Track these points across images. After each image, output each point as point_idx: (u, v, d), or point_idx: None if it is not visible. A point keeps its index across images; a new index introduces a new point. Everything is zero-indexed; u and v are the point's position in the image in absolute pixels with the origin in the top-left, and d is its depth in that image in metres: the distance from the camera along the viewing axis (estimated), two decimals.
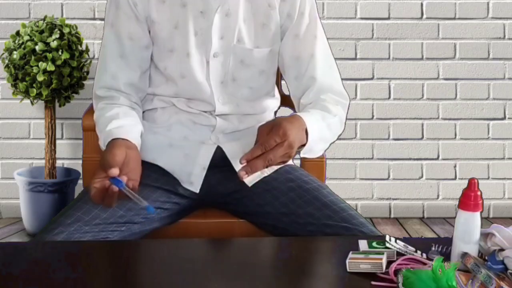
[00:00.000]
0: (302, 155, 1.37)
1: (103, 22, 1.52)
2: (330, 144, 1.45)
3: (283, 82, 1.74)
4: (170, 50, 1.46)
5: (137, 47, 1.47)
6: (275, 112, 1.63)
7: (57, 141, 2.80)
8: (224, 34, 1.45)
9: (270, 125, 1.28)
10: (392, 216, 3.09)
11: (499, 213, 3.07)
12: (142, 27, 1.46)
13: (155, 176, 1.44)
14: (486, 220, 2.94)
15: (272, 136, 1.24)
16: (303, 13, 1.48)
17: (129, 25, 1.45)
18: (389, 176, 3.07)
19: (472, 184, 1.06)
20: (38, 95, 2.57)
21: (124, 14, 1.45)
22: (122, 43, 1.46)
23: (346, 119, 1.49)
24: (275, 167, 1.48)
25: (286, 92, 1.76)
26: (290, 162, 1.53)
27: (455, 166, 3.07)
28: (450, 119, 3.06)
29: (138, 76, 1.49)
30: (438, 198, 3.08)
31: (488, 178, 3.07)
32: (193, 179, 1.45)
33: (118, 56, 1.47)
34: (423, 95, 3.05)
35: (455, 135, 3.06)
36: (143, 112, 1.53)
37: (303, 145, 1.33)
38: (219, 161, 1.47)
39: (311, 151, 1.38)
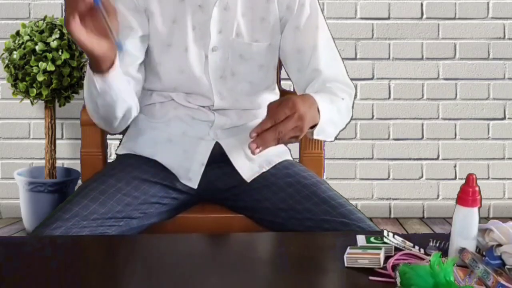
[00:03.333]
0: (315, 136, 1.35)
1: None
2: (340, 131, 1.44)
3: (282, 79, 1.74)
4: (169, 44, 1.46)
5: (132, 37, 1.45)
6: None
7: (57, 141, 2.80)
8: (222, 28, 1.45)
9: (280, 100, 1.27)
10: (392, 216, 3.09)
11: (499, 213, 3.06)
12: (139, 18, 1.45)
13: (153, 171, 1.44)
14: (486, 220, 2.93)
15: (281, 108, 1.22)
16: (304, 4, 1.48)
17: (126, 15, 1.44)
18: (389, 176, 3.07)
19: (470, 180, 1.05)
20: (38, 95, 2.57)
21: (122, 4, 1.44)
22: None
23: (353, 109, 1.49)
24: (273, 163, 1.48)
25: (286, 88, 1.76)
26: (288, 157, 1.53)
27: (455, 166, 3.07)
28: (450, 119, 3.05)
29: (133, 66, 1.45)
30: (438, 198, 3.08)
31: (488, 178, 3.06)
32: (191, 175, 1.45)
33: None
34: (423, 95, 3.04)
35: (455, 135, 3.06)
36: (142, 107, 1.52)
37: (315, 126, 1.31)
38: (218, 157, 1.46)
39: (324, 132, 1.36)
